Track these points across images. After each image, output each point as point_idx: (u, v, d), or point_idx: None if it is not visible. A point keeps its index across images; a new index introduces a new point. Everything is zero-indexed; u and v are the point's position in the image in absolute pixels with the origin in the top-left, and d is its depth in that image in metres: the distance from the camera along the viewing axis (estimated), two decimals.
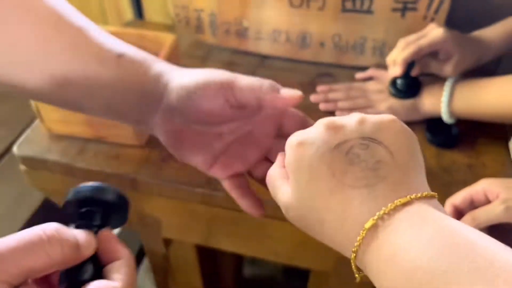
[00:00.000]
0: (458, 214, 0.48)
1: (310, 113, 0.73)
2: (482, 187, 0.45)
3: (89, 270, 0.28)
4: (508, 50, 0.65)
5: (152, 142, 0.66)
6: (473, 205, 0.47)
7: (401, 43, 0.65)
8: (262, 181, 0.36)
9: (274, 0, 0.76)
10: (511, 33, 0.64)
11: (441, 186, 0.61)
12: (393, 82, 0.69)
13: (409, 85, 0.68)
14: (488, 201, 0.45)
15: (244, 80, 0.37)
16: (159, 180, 0.62)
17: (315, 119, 0.70)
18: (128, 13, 0.94)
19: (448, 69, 0.65)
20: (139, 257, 1.12)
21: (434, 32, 0.63)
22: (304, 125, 0.37)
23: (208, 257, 0.80)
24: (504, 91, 0.60)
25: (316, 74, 0.79)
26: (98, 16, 0.98)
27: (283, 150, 0.32)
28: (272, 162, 0.35)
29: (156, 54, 0.73)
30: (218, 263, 0.96)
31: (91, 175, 0.64)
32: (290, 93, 0.37)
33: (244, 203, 0.38)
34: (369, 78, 0.76)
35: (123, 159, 0.64)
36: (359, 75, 0.78)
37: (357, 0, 0.73)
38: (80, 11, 0.38)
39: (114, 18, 0.97)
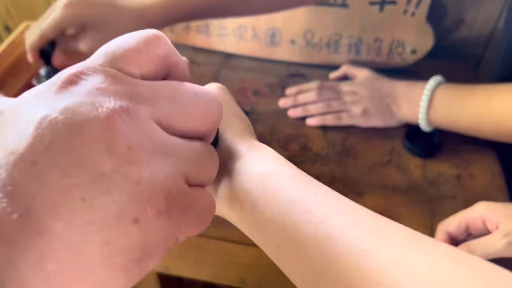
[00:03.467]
0: (452, 242, 0.41)
1: (279, 119, 0.67)
2: (480, 213, 0.39)
3: None
4: (169, 22, 0.52)
5: None
6: (468, 231, 0.40)
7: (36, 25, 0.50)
8: None
9: None
10: (170, 2, 0.51)
11: (428, 200, 0.55)
12: None
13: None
14: (486, 229, 0.39)
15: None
16: None
17: (285, 126, 0.63)
18: None
19: (83, 44, 0.49)
20: None
21: (57, 5, 0.48)
22: None
23: (173, 286, 0.72)
24: (484, 104, 0.53)
25: (287, 74, 0.72)
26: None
27: None
28: None
29: None
30: None
31: None
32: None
33: None
34: (344, 78, 0.69)
35: None
36: (333, 74, 0.70)
37: None
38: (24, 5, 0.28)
39: None
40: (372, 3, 0.65)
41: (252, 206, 0.23)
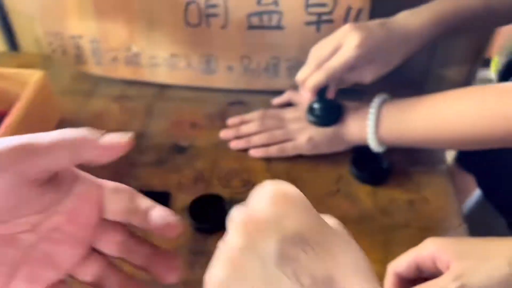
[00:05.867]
0: (404, 283, 0.37)
1: (220, 153, 0.62)
2: (430, 252, 0.35)
3: None
4: (436, 37, 0.56)
5: None
6: (419, 271, 0.36)
7: (312, 60, 0.55)
8: (96, 285, 0.29)
9: (166, 19, 0.63)
10: (438, 17, 0.55)
11: (381, 230, 0.51)
12: (310, 108, 0.59)
13: (328, 110, 0.58)
14: (437, 269, 0.35)
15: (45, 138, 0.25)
16: None
17: (226, 160, 0.58)
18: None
19: (368, 76, 0.55)
20: None
21: (349, 46, 0.53)
22: (133, 202, 0.29)
23: None
24: (434, 111, 0.51)
25: (227, 103, 0.67)
26: None
27: (112, 235, 0.28)
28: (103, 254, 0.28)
29: (17, 96, 0.58)
30: None
31: None
32: (113, 141, 0.27)
33: None
34: (288, 104, 0.65)
35: None
36: (276, 100, 0.67)
37: (264, 14, 0.62)
38: None
39: None
40: (308, 23, 0.62)
41: None
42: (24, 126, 0.53)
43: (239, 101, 0.67)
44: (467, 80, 0.75)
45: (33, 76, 0.57)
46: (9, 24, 0.74)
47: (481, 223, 0.70)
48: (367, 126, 0.55)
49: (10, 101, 0.55)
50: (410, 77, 0.73)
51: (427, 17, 0.54)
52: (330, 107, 0.58)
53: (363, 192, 0.54)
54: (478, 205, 0.79)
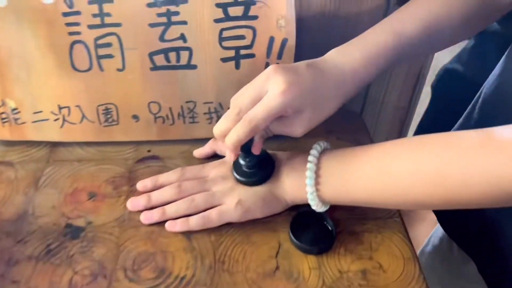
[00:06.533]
0: None
1: (126, 232, 0.46)
2: None
3: None
4: (376, 74, 0.48)
5: None
6: None
7: (231, 111, 0.44)
8: None
9: (49, 64, 0.50)
10: (377, 52, 0.46)
11: None
12: (236, 164, 0.48)
13: (257, 165, 0.47)
14: None
15: None
16: None
17: (134, 241, 0.46)
18: None
19: (298, 128, 0.45)
20: None
21: (272, 92, 0.42)
22: None
23: None
24: (385, 166, 0.42)
25: (135, 160, 0.55)
26: None
27: None
28: None
29: None
30: None
31: None
32: None
33: None
34: (214, 156, 0.54)
35: None
36: (197, 152, 0.55)
37: (170, 52, 0.50)
38: None
39: None
40: (225, 60, 0.51)
41: None
42: None
43: (152, 156, 0.55)
44: (410, 105, 0.67)
45: None
46: None
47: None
48: (305, 185, 0.45)
49: None
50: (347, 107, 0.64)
51: (363, 53, 0.45)
52: (259, 162, 0.48)
53: (307, 266, 0.44)
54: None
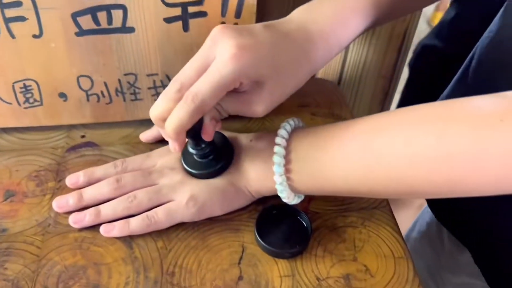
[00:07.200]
0: None
1: (52, 238, 0.34)
2: None
3: None
4: (354, 36, 0.39)
5: None
6: None
7: (170, 87, 0.34)
8: None
9: None
10: (352, 9, 0.37)
11: None
12: (185, 154, 0.39)
13: (211, 152, 0.38)
14: None
15: None
16: None
17: (62, 252, 0.36)
18: None
19: (259, 105, 0.36)
20: None
21: (220, 59, 0.33)
22: None
23: None
24: (367, 147, 0.33)
25: (65, 148, 0.45)
26: None
27: None
28: None
29: None
30: None
31: None
32: None
33: None
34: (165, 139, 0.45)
35: None
36: (144, 135, 0.46)
37: (99, 12, 0.40)
38: None
39: None
40: (169, 20, 0.41)
41: None
42: None
43: (87, 142, 0.45)
44: (394, 72, 0.59)
45: None
46: None
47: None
48: (273, 173, 0.36)
49: None
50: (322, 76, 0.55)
51: (336, 10, 0.36)
52: (213, 149, 0.38)
53: (277, 275, 0.36)
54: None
